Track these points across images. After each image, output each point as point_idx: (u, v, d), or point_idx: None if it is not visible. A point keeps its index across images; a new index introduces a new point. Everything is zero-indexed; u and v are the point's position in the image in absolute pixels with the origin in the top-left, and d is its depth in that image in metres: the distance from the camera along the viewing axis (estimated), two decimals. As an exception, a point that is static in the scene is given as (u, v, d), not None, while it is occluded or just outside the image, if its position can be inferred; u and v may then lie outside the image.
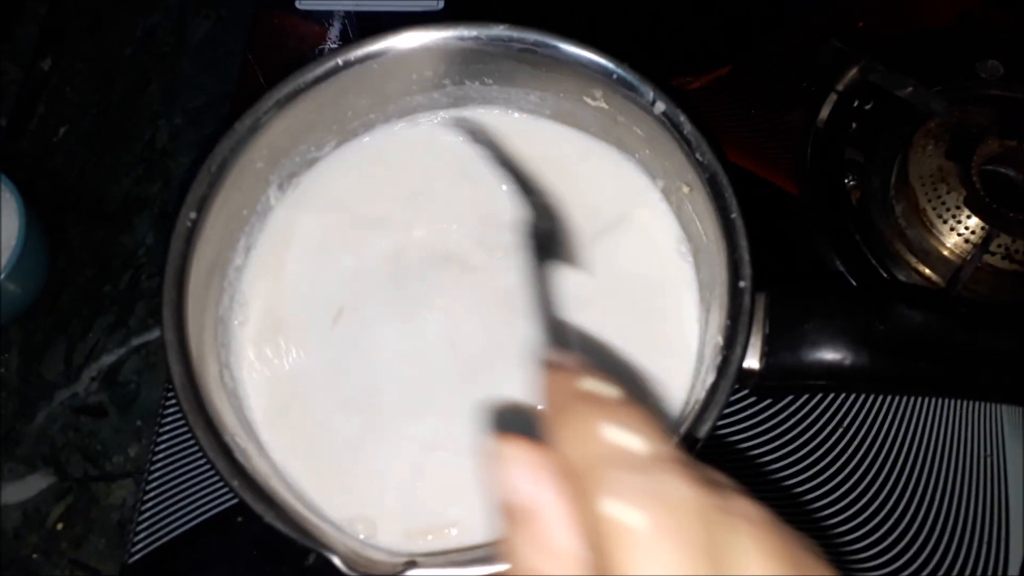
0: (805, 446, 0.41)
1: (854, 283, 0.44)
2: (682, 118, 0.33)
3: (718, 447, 0.41)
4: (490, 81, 0.38)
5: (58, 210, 0.50)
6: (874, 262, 0.44)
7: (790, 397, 0.42)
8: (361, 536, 0.31)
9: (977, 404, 0.42)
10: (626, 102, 0.35)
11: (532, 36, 0.35)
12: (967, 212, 0.42)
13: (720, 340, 0.30)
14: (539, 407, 0.19)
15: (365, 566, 0.28)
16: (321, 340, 0.36)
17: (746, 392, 0.42)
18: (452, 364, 0.35)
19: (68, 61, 0.55)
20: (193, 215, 0.32)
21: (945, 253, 0.43)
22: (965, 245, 0.42)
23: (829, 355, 0.32)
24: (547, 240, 0.34)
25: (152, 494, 0.41)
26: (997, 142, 0.43)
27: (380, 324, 0.36)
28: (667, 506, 0.15)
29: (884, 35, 0.51)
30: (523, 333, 0.35)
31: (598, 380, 0.18)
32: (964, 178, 0.42)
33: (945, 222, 0.42)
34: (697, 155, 0.33)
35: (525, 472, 0.17)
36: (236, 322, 0.36)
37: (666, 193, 0.38)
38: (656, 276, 0.36)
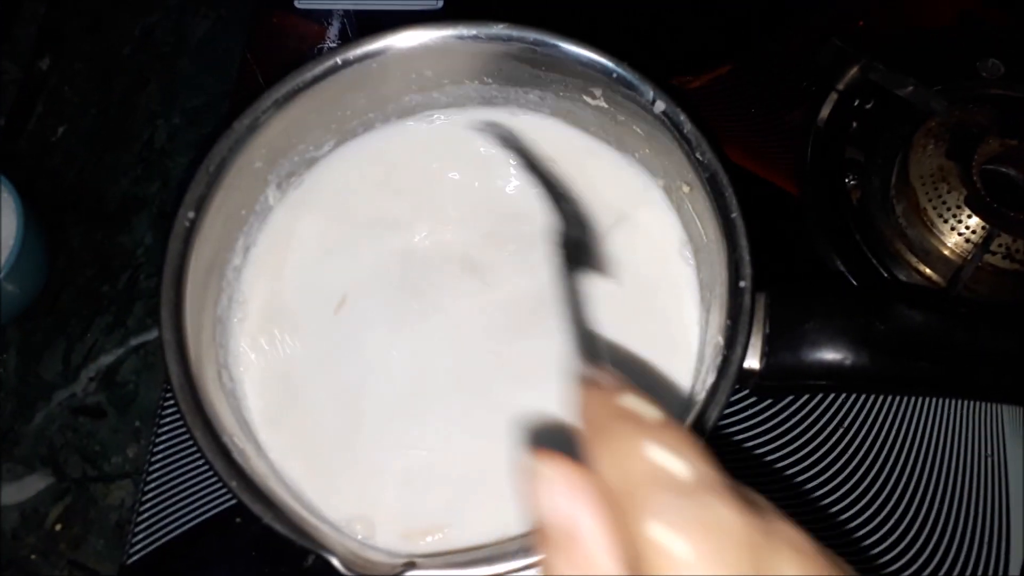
0: (806, 446, 0.41)
1: (854, 283, 0.44)
2: (682, 117, 0.33)
3: (718, 447, 0.41)
4: (489, 80, 0.38)
5: (57, 210, 0.50)
6: (874, 262, 0.44)
7: (790, 397, 0.42)
8: (359, 536, 0.31)
9: (977, 404, 0.42)
10: (626, 101, 0.35)
11: (531, 35, 0.35)
12: (968, 212, 0.42)
13: (720, 340, 0.30)
14: (572, 422, 0.18)
15: (364, 567, 0.27)
16: (321, 341, 0.36)
17: (746, 392, 0.41)
18: (453, 366, 0.35)
19: (67, 61, 0.55)
20: (191, 215, 0.32)
21: (946, 253, 0.42)
22: (966, 245, 0.42)
23: (829, 355, 0.32)
24: (577, 248, 0.33)
25: (150, 495, 0.41)
26: (998, 141, 0.43)
27: (381, 326, 0.36)
28: (712, 532, 0.15)
29: (884, 34, 0.51)
30: (525, 336, 0.35)
31: (639, 398, 0.18)
32: (965, 177, 0.42)
33: (946, 222, 0.42)
34: (697, 154, 0.33)
35: (564, 492, 0.17)
36: (234, 322, 0.36)
37: (666, 192, 0.38)
38: (656, 276, 0.36)
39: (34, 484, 0.44)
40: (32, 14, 0.56)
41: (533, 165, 0.37)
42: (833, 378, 0.33)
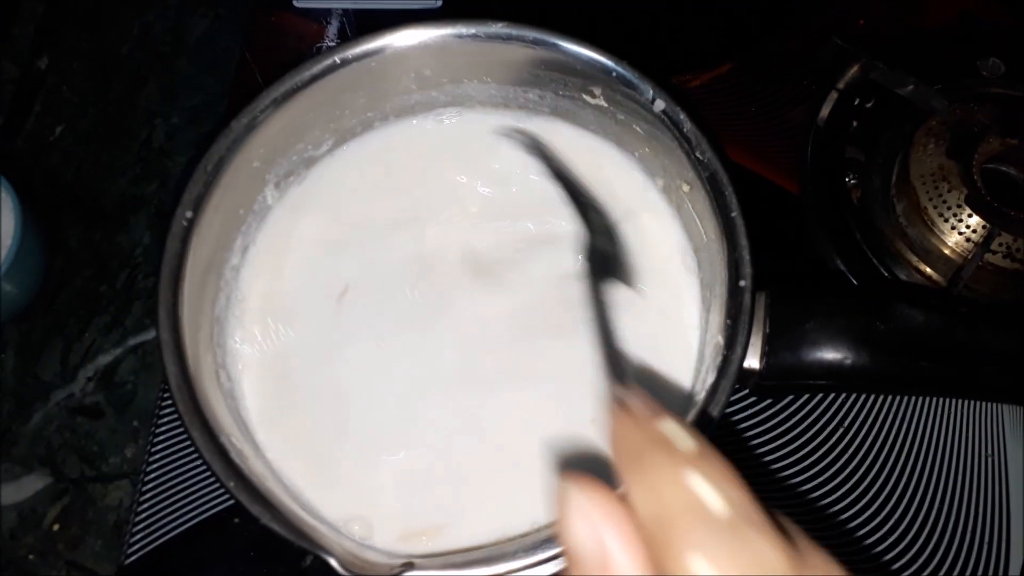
0: (806, 446, 0.41)
1: (855, 282, 0.44)
2: (682, 116, 0.33)
3: (717, 447, 0.41)
4: (489, 79, 0.38)
5: (55, 209, 0.50)
6: (875, 261, 0.44)
7: (790, 397, 0.42)
8: (357, 536, 0.31)
9: (978, 404, 0.42)
10: (625, 100, 0.35)
11: (531, 34, 0.34)
12: (968, 211, 0.42)
13: (720, 339, 0.30)
14: (594, 438, 0.18)
15: (362, 567, 0.27)
16: (320, 340, 0.36)
17: (746, 392, 0.41)
18: (453, 367, 0.35)
19: (65, 60, 0.55)
20: (189, 214, 0.32)
21: (946, 252, 0.42)
22: (966, 244, 0.42)
23: (830, 355, 0.32)
24: (605, 261, 0.32)
25: (148, 495, 0.40)
26: (998, 140, 0.43)
27: (380, 326, 0.36)
28: (753, 568, 0.15)
29: (885, 33, 0.51)
30: (526, 339, 0.35)
31: (674, 424, 0.17)
32: (965, 177, 0.42)
33: (946, 221, 0.42)
34: (697, 153, 0.33)
35: (596, 520, 0.17)
36: (232, 321, 0.35)
37: (666, 192, 0.37)
38: (656, 275, 0.36)
39: (32, 484, 0.44)
40: (30, 13, 0.56)
41: (559, 173, 0.36)
42: (833, 378, 0.32)
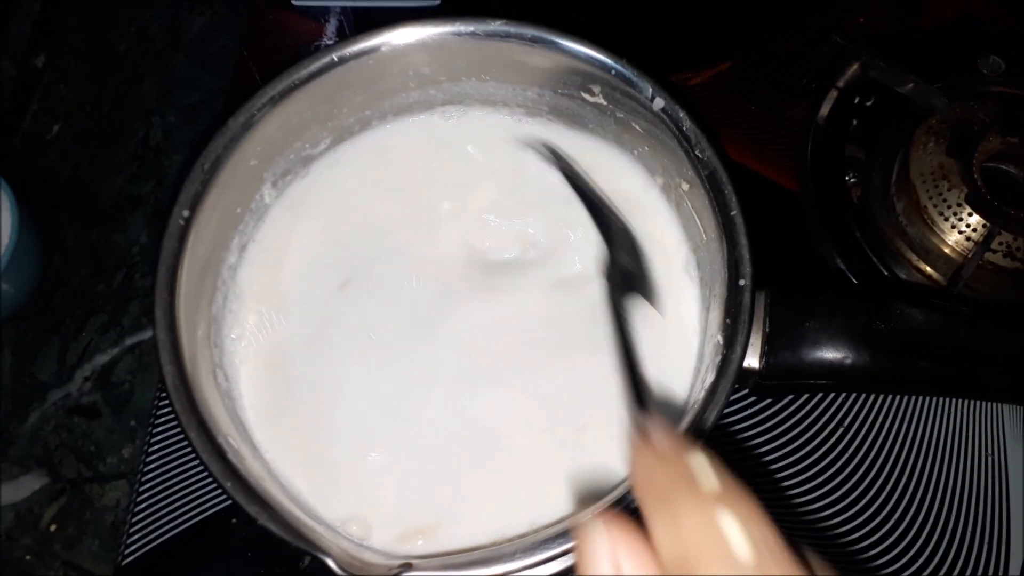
0: (805, 446, 0.41)
1: (855, 281, 0.44)
2: (681, 114, 0.33)
3: (717, 447, 0.41)
4: (487, 77, 0.38)
5: (52, 208, 0.50)
6: (875, 260, 0.44)
7: (790, 397, 0.42)
8: (355, 537, 0.31)
9: (977, 404, 0.42)
10: (624, 98, 0.35)
11: (530, 31, 0.34)
12: (968, 210, 0.41)
13: (720, 339, 0.30)
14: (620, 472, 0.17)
15: (360, 568, 0.27)
16: (318, 341, 0.35)
17: (746, 392, 0.41)
18: (452, 369, 0.34)
19: (62, 58, 0.54)
20: (186, 213, 0.32)
21: (946, 251, 0.42)
22: (966, 243, 0.42)
23: (830, 354, 0.32)
24: (627, 279, 0.31)
25: (145, 495, 0.40)
26: (998, 139, 0.43)
27: (379, 327, 0.35)
28: None
29: (885, 31, 0.50)
30: (527, 341, 0.35)
31: (700, 461, 0.17)
32: (965, 175, 0.42)
33: (946, 220, 0.42)
34: (696, 152, 0.32)
35: (620, 558, 0.16)
36: (229, 321, 0.35)
37: (665, 190, 0.37)
38: (655, 274, 0.36)
39: (29, 484, 0.44)
40: (27, 11, 0.56)
41: (580, 187, 0.35)
42: (833, 377, 0.32)
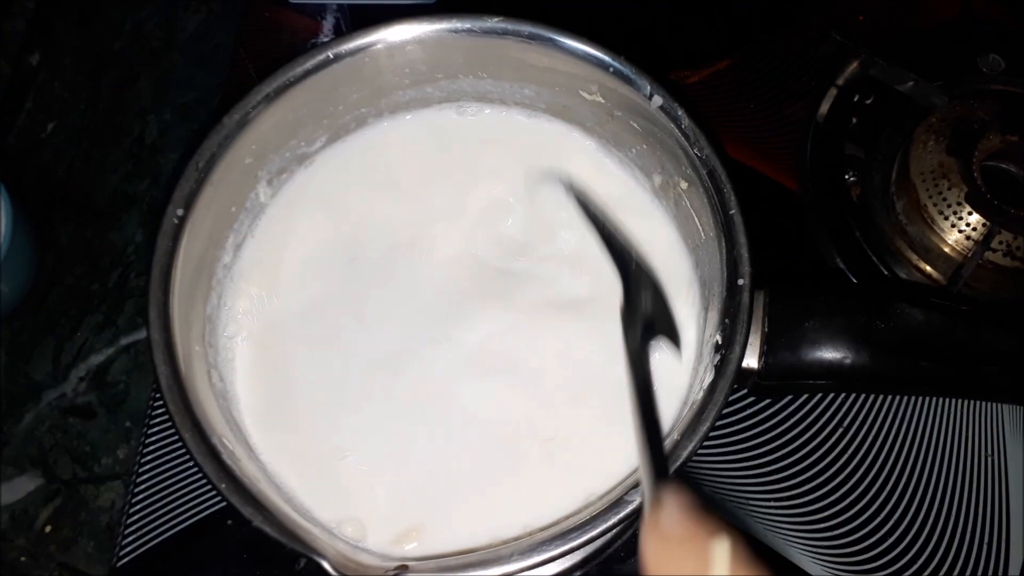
0: (805, 446, 0.41)
1: (854, 280, 0.44)
2: (680, 112, 0.33)
3: (717, 447, 0.41)
4: (484, 75, 0.37)
5: (46, 207, 0.49)
6: (875, 259, 0.44)
7: (789, 397, 0.42)
8: (350, 538, 0.31)
9: (977, 404, 0.42)
10: (623, 96, 0.34)
11: (527, 28, 0.34)
12: (968, 208, 0.41)
13: (719, 339, 0.30)
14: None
15: (355, 570, 0.27)
16: (315, 341, 0.35)
17: (745, 392, 0.41)
18: (451, 368, 0.34)
19: (57, 56, 0.54)
20: (180, 212, 0.32)
21: (946, 250, 0.42)
22: (966, 242, 0.41)
23: (829, 354, 0.32)
24: (649, 324, 0.29)
25: (140, 496, 0.40)
26: (998, 137, 0.42)
27: (376, 328, 0.35)
28: None
29: (885, 29, 0.50)
30: (527, 343, 0.34)
31: (713, 547, 0.16)
32: (965, 174, 0.42)
33: (946, 219, 0.42)
34: (695, 150, 0.32)
35: None
36: (224, 320, 0.35)
37: (663, 189, 0.37)
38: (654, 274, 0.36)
39: (24, 485, 0.43)
40: (21, 9, 0.55)
41: (593, 216, 0.33)
42: (833, 378, 0.32)
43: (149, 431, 0.41)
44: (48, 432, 0.44)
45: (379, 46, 0.35)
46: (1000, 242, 0.41)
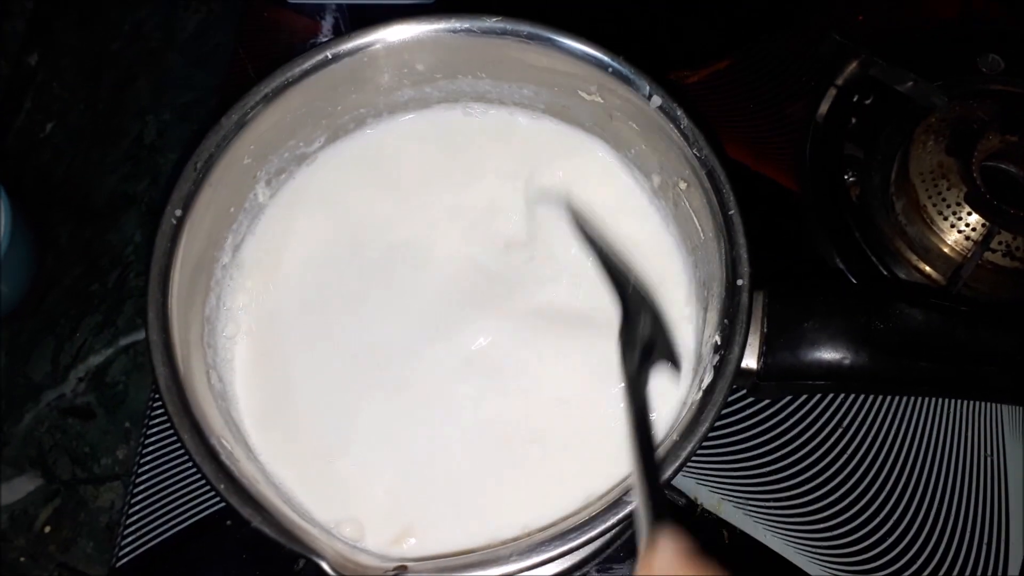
0: (805, 446, 0.41)
1: (854, 281, 0.44)
2: (679, 112, 0.33)
3: (717, 447, 0.41)
4: (483, 75, 0.37)
5: (45, 207, 0.49)
6: (874, 259, 0.44)
7: (789, 397, 0.42)
8: (349, 539, 0.31)
9: (977, 404, 0.42)
10: (622, 96, 0.34)
11: (526, 28, 0.34)
12: (968, 209, 0.41)
13: (718, 339, 0.30)
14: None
15: (354, 570, 0.27)
16: (314, 341, 0.35)
17: (744, 392, 0.41)
18: (450, 369, 0.34)
19: (56, 56, 0.54)
20: (178, 213, 0.32)
21: (946, 250, 0.42)
22: (966, 242, 0.41)
23: (829, 355, 0.32)
24: (647, 348, 0.29)
25: (140, 497, 0.40)
26: (998, 138, 0.42)
27: (375, 329, 0.35)
28: None
29: (884, 29, 0.50)
30: (527, 344, 0.34)
31: None
32: (965, 174, 0.42)
33: (946, 219, 0.42)
34: (694, 150, 0.32)
35: None
36: (223, 321, 0.35)
37: (663, 190, 0.37)
38: (653, 274, 0.36)
39: (23, 486, 0.43)
40: (20, 9, 0.55)
41: (592, 240, 0.33)
42: (832, 378, 0.32)
43: (148, 432, 0.41)
44: (47, 433, 0.44)
45: (378, 46, 0.35)
46: (999, 242, 0.41)
